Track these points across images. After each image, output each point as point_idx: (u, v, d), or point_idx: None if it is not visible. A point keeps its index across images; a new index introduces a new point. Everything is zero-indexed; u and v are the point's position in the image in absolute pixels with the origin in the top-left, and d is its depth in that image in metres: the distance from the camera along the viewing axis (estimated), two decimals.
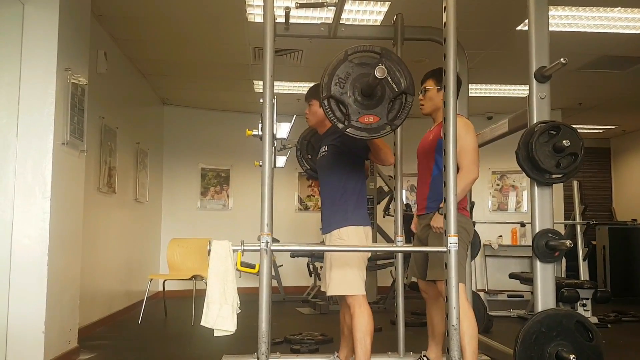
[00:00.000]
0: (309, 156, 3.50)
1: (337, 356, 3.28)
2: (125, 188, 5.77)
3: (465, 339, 2.67)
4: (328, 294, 2.99)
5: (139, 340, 4.64)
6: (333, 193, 2.95)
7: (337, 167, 2.94)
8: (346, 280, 2.88)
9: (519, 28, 4.87)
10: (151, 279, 5.46)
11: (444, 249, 2.39)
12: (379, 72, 2.11)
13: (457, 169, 2.77)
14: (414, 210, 3.21)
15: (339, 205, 2.92)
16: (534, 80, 2.54)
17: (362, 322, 2.81)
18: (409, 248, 2.97)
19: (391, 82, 2.24)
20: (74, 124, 3.62)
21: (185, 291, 5.97)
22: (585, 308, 5.10)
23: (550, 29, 2.64)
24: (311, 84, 7.16)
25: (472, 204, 4.65)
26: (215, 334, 2.38)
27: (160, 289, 6.01)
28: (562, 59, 2.34)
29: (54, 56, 3.40)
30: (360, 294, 2.85)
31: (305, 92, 7.42)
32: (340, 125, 2.22)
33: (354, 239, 2.86)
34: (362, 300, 2.84)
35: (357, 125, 2.22)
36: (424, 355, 3.26)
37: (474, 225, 4.77)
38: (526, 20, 2.67)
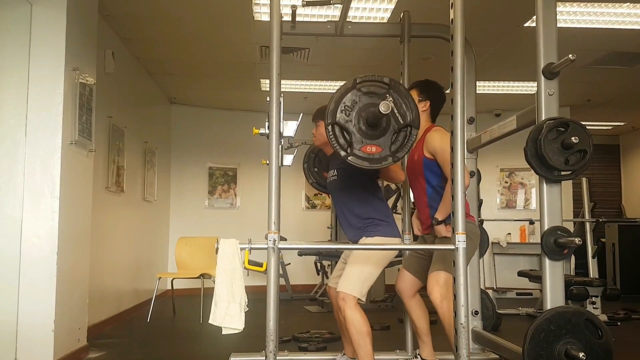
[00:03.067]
0: (315, 169, 3.49)
1: (343, 354, 3.28)
2: (133, 187, 5.79)
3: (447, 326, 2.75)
4: (337, 290, 2.97)
5: (148, 338, 4.66)
6: (354, 213, 2.97)
7: (350, 189, 2.97)
8: (351, 278, 2.88)
9: (526, 24, 4.84)
10: (159, 278, 5.49)
11: (452, 247, 2.38)
12: (384, 107, 2.12)
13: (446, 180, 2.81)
14: (417, 225, 3.22)
15: (364, 221, 2.94)
16: (542, 76, 2.51)
17: (357, 324, 2.78)
18: (416, 246, 2.97)
19: (397, 114, 2.24)
20: (82, 124, 3.64)
21: (193, 289, 5.99)
22: (594, 306, 5.07)
23: (559, 25, 2.62)
24: (318, 82, 7.16)
25: (480, 202, 4.63)
26: (223, 332, 2.38)
27: (169, 287, 6.04)
28: (570, 55, 2.31)
29: (61, 56, 3.42)
30: (357, 296, 2.83)
31: (311, 91, 7.39)
32: (343, 153, 2.23)
33: (381, 253, 2.87)
34: (354, 302, 2.82)
35: (359, 154, 2.22)
36: (418, 354, 3.28)
37: (482, 223, 4.77)
38: (534, 17, 2.65)
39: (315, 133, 3.18)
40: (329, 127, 2.23)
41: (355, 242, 2.98)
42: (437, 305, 2.83)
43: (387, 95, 2.24)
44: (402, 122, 2.26)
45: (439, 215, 2.86)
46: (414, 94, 3.07)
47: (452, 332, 2.68)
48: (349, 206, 3.00)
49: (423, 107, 3.04)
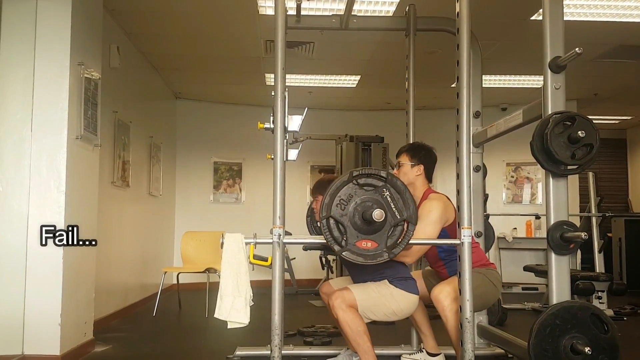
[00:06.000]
0: (318, 224, 3.46)
1: (347, 348, 3.29)
2: (139, 182, 5.80)
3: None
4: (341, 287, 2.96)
5: (154, 332, 4.68)
6: (368, 278, 2.95)
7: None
8: (363, 290, 2.84)
9: (533, 18, 4.80)
10: (165, 272, 5.51)
11: (458, 242, 2.38)
12: (377, 215, 2.12)
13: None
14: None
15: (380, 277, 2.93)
16: (549, 70, 2.50)
17: (352, 324, 2.74)
18: (421, 241, 2.96)
19: (393, 209, 2.23)
20: (88, 119, 3.65)
21: (199, 284, 6.01)
22: (600, 301, 5.05)
23: (565, 18, 2.60)
24: (323, 77, 7.13)
25: (486, 197, 4.62)
26: (228, 326, 2.39)
27: (175, 281, 6.06)
28: (577, 49, 2.30)
29: (67, 51, 3.42)
30: (357, 306, 2.79)
31: (316, 85, 7.35)
32: (337, 248, 2.21)
33: (402, 301, 2.85)
34: (347, 305, 2.77)
35: (353, 249, 2.21)
36: (422, 348, 3.30)
37: (488, 218, 4.76)
38: (540, 10, 2.63)
39: (315, 207, 3.18)
40: (324, 221, 2.22)
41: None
42: (445, 306, 2.74)
43: (384, 189, 2.23)
44: (398, 217, 2.24)
45: None
46: (405, 159, 3.08)
47: (456, 334, 2.68)
48: (364, 274, 2.97)
49: (417, 171, 3.05)
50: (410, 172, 3.04)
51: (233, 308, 2.37)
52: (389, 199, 2.22)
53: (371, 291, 2.85)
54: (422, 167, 3.05)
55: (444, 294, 2.75)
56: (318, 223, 3.45)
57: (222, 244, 2.41)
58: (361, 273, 2.98)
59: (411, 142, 3.36)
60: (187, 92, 7.74)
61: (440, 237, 2.87)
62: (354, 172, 2.25)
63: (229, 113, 8.13)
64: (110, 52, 4.68)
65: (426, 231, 2.78)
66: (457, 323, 2.65)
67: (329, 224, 2.22)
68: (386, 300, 2.84)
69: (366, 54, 5.84)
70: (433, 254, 3.07)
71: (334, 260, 6.73)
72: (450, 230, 2.88)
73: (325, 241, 2.26)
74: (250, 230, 2.53)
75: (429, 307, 3.11)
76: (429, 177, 3.10)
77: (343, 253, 2.20)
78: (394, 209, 2.23)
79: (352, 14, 3.43)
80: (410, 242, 2.91)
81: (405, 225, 2.25)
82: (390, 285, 2.87)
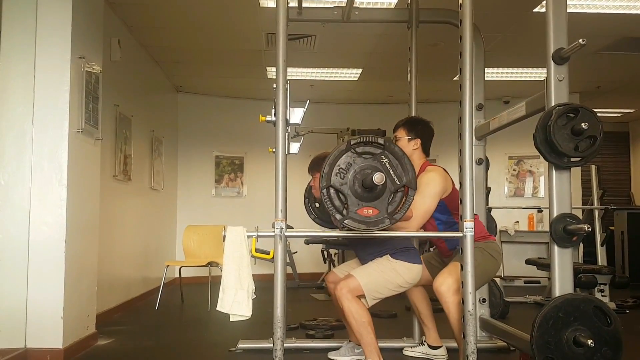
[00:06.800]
0: (317, 205, 3.45)
1: (349, 341, 3.29)
2: (140, 176, 5.80)
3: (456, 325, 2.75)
4: (347, 274, 2.96)
5: (156, 325, 4.70)
6: (374, 251, 2.97)
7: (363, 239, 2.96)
8: (369, 272, 2.87)
9: (536, 10, 4.77)
10: (167, 266, 5.51)
11: (460, 234, 2.38)
12: (377, 179, 2.12)
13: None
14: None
15: (383, 250, 2.95)
16: (552, 62, 2.48)
17: (357, 314, 2.76)
18: (424, 234, 2.96)
19: (393, 176, 2.23)
20: (89, 112, 3.64)
21: (201, 277, 6.02)
22: (603, 293, 5.04)
23: (568, 10, 2.58)
24: (324, 70, 7.11)
25: (488, 190, 4.61)
26: (231, 319, 2.39)
27: (177, 275, 6.07)
28: (580, 40, 2.28)
29: (68, 44, 3.40)
30: (363, 292, 2.81)
31: (318, 78, 7.32)
32: (339, 216, 2.21)
33: (405, 273, 2.87)
34: (353, 295, 2.79)
35: (355, 217, 2.21)
36: (424, 341, 3.30)
37: (490, 211, 4.75)
38: (544, 2, 2.61)
39: (313, 185, 3.17)
40: (324, 191, 2.21)
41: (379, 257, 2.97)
42: (447, 299, 2.74)
43: (383, 156, 2.22)
44: (398, 183, 2.23)
45: None
46: (402, 133, 3.08)
47: (458, 327, 2.68)
48: (368, 247, 2.99)
49: (414, 145, 3.06)
50: (407, 146, 3.04)
51: (235, 301, 2.37)
52: (387, 165, 2.21)
53: (373, 271, 2.86)
54: (419, 141, 3.05)
55: (445, 286, 2.74)
56: (316, 203, 3.47)
57: (224, 237, 2.41)
58: (365, 246, 3.00)
59: (409, 117, 3.34)
60: (188, 85, 7.72)
61: (438, 208, 2.88)
62: (351, 140, 2.25)
63: (230, 107, 8.12)
64: (111, 45, 4.66)
65: (425, 203, 2.79)
66: (459, 316, 2.65)
67: (329, 194, 2.22)
68: (389, 276, 2.86)
69: (368, 47, 5.82)
70: (432, 227, 3.07)
71: (335, 253, 6.73)
72: (448, 201, 2.88)
73: (327, 234, 2.26)
74: (252, 223, 2.53)
75: (433, 301, 3.11)
76: (426, 151, 3.10)
77: (345, 221, 2.20)
78: (393, 175, 2.23)
79: (354, 6, 3.40)
80: (412, 235, 2.91)
81: (406, 190, 2.25)
82: (392, 260, 2.90)
